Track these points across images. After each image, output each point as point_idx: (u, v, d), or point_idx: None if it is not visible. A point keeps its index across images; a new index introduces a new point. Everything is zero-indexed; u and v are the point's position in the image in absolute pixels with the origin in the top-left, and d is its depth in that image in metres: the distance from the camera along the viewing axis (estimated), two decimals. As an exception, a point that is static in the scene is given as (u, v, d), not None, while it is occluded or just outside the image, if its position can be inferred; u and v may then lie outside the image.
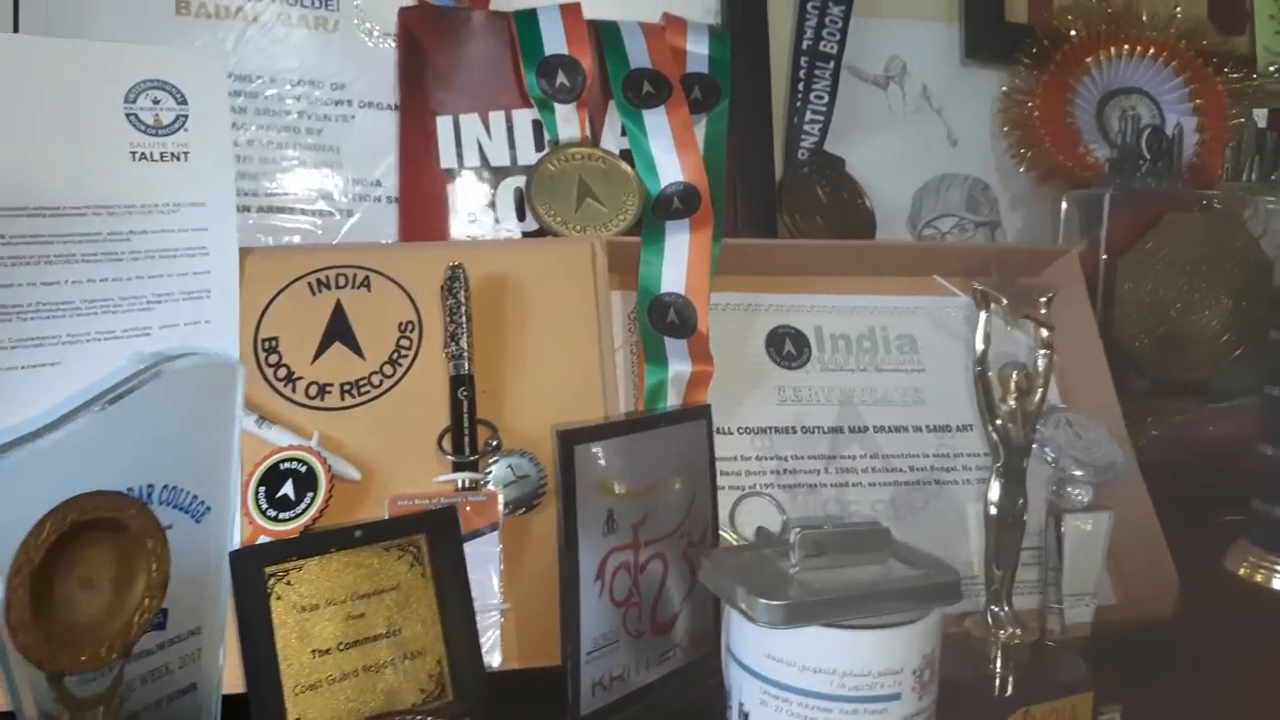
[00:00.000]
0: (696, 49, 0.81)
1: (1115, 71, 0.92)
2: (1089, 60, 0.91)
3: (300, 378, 0.65)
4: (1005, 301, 0.53)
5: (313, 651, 0.51)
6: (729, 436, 0.74)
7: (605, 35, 0.79)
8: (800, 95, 0.83)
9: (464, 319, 0.65)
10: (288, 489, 0.61)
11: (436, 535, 0.55)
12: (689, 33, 0.81)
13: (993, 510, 0.53)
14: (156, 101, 0.69)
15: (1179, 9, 0.92)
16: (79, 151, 0.67)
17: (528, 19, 0.78)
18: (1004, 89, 0.90)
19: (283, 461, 0.61)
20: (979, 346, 0.54)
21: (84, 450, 0.48)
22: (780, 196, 0.81)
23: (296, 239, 0.75)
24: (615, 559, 0.51)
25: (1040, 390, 0.53)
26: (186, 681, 0.52)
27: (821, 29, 0.84)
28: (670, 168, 0.77)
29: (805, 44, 0.84)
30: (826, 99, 0.84)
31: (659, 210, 0.76)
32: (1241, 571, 0.57)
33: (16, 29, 0.70)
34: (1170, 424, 0.74)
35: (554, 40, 0.77)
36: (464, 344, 0.65)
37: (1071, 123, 0.89)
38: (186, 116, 0.69)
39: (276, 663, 0.49)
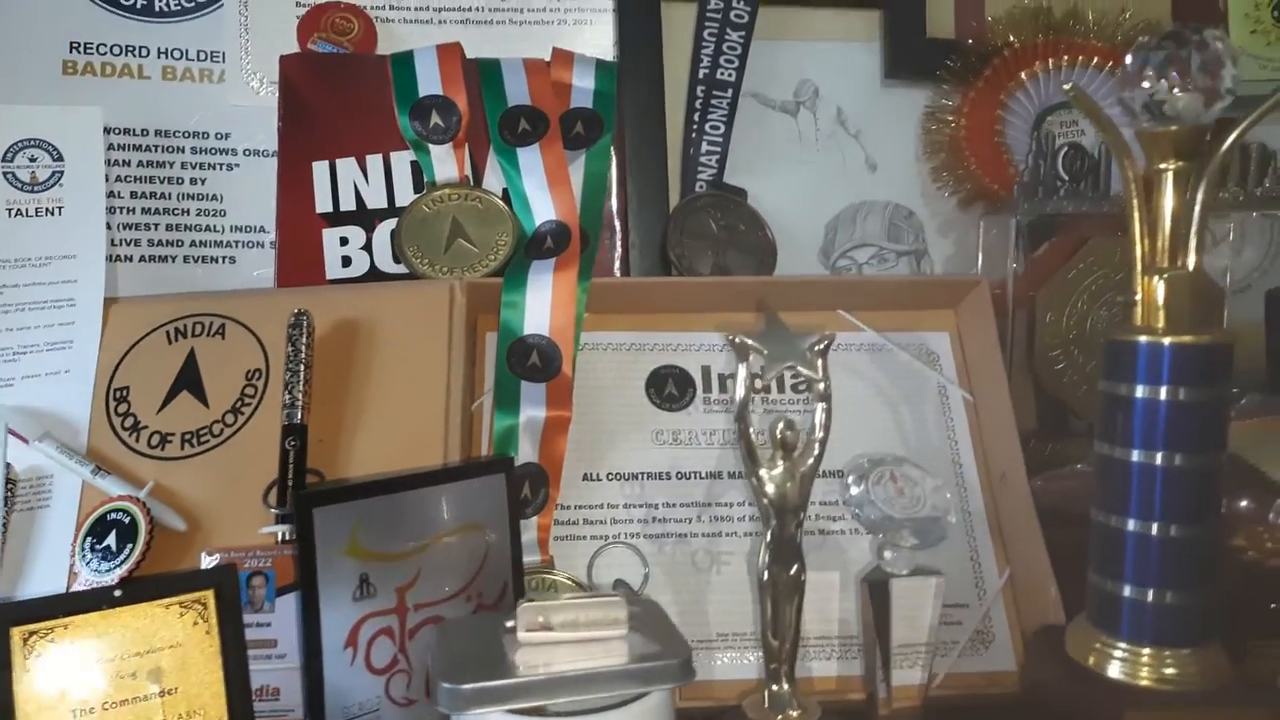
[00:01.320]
0: (582, 83, 0.79)
1: (1054, 85, 0.85)
2: (1023, 74, 0.84)
3: (145, 426, 0.66)
4: (765, 352, 0.49)
5: (72, 712, 0.51)
6: (596, 484, 0.71)
7: (484, 74, 0.78)
8: (696, 126, 0.80)
9: (300, 367, 0.65)
10: (111, 540, 0.61)
11: (222, 592, 0.54)
12: (575, 66, 0.80)
13: (765, 577, 0.49)
14: (33, 159, 0.71)
15: (1127, 11, 0.84)
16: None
17: (403, 61, 0.77)
18: (926, 107, 0.84)
19: (110, 512, 0.62)
20: (738, 396, 0.50)
21: None
22: (667, 231, 0.77)
23: (177, 287, 0.76)
24: (372, 624, 0.49)
25: (817, 447, 0.48)
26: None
27: (719, 56, 0.81)
28: (543, 206, 0.75)
29: (702, 72, 0.81)
30: (723, 129, 0.80)
31: (532, 249, 0.74)
32: (1075, 652, 0.50)
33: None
34: (1060, 474, 0.67)
35: (429, 81, 0.77)
36: (297, 393, 0.64)
37: (1000, 142, 0.83)
38: (62, 173, 0.72)
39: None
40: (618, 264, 0.79)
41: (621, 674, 0.41)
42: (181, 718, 0.53)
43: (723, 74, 0.80)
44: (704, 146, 0.80)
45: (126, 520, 0.61)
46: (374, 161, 0.77)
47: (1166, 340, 0.46)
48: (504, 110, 0.77)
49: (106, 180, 0.75)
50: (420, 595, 0.51)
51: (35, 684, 0.50)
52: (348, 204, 0.76)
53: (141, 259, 0.76)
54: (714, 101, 0.80)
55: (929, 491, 0.55)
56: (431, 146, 0.76)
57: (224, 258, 0.77)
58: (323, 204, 0.76)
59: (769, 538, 0.49)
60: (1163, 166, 0.49)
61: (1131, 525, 0.47)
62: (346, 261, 0.76)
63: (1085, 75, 0.84)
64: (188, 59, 0.78)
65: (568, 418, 0.68)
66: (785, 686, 0.49)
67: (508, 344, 0.70)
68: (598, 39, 0.82)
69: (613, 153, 0.79)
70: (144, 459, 0.65)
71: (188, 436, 0.66)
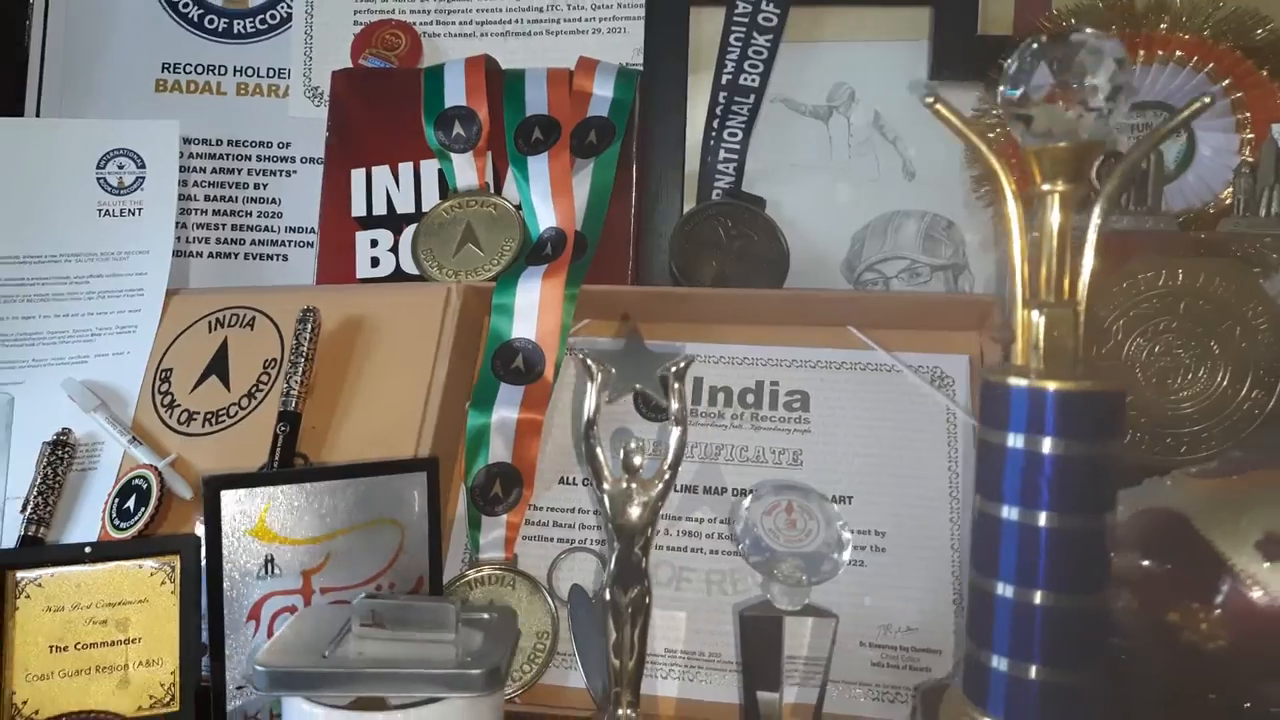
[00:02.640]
0: (601, 91, 0.80)
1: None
2: (1087, 73, 0.75)
3: (178, 405, 0.75)
4: (613, 371, 0.47)
5: (50, 647, 0.59)
6: (571, 488, 0.72)
7: (507, 84, 0.81)
8: (715, 133, 0.79)
9: (300, 359, 0.71)
10: (131, 502, 0.70)
11: (185, 560, 0.61)
12: (597, 75, 0.81)
13: (607, 597, 0.47)
14: (121, 166, 0.82)
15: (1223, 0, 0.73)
16: (59, 209, 0.82)
17: (435, 74, 0.82)
18: (973, 110, 0.77)
19: (134, 478, 0.71)
20: (585, 416, 0.49)
21: None
22: (672, 240, 0.77)
23: (238, 281, 0.85)
24: (276, 602, 0.54)
25: (668, 472, 0.46)
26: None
27: (744, 61, 0.79)
28: (546, 213, 0.77)
29: (725, 78, 0.79)
30: (740, 135, 0.78)
31: (532, 256, 0.76)
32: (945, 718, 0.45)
33: (39, 106, 0.87)
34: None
35: (454, 93, 0.81)
36: (294, 383, 0.70)
37: (1054, 149, 0.75)
38: (144, 179, 0.82)
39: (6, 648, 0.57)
40: (630, 272, 0.80)
41: (419, 677, 0.42)
42: (141, 664, 0.60)
43: (746, 79, 0.79)
44: (721, 154, 0.78)
45: (144, 486, 0.70)
46: (405, 169, 0.82)
47: (1042, 384, 0.41)
48: (521, 120, 0.79)
49: (185, 184, 0.85)
50: (327, 580, 0.55)
51: (21, 620, 0.59)
52: (379, 209, 0.82)
53: (210, 255, 0.86)
54: (734, 108, 0.78)
55: (822, 527, 0.52)
56: (453, 155, 0.80)
57: (278, 255, 0.86)
58: (358, 208, 0.82)
59: (613, 560, 0.49)
60: (1046, 188, 0.43)
61: (1001, 590, 0.42)
62: (375, 262, 0.81)
63: (1164, 74, 0.74)
64: (259, 76, 0.87)
65: (540, 421, 0.70)
66: (627, 711, 0.49)
67: (495, 347, 0.73)
68: (630, 46, 0.83)
69: (634, 160, 0.79)
70: (173, 434, 0.74)
71: (209, 416, 0.74)
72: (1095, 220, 0.42)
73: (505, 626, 0.48)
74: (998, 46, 0.77)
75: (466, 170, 0.80)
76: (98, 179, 0.82)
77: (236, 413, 0.73)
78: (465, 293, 0.74)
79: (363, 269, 0.81)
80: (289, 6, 0.87)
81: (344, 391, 0.72)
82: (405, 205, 0.82)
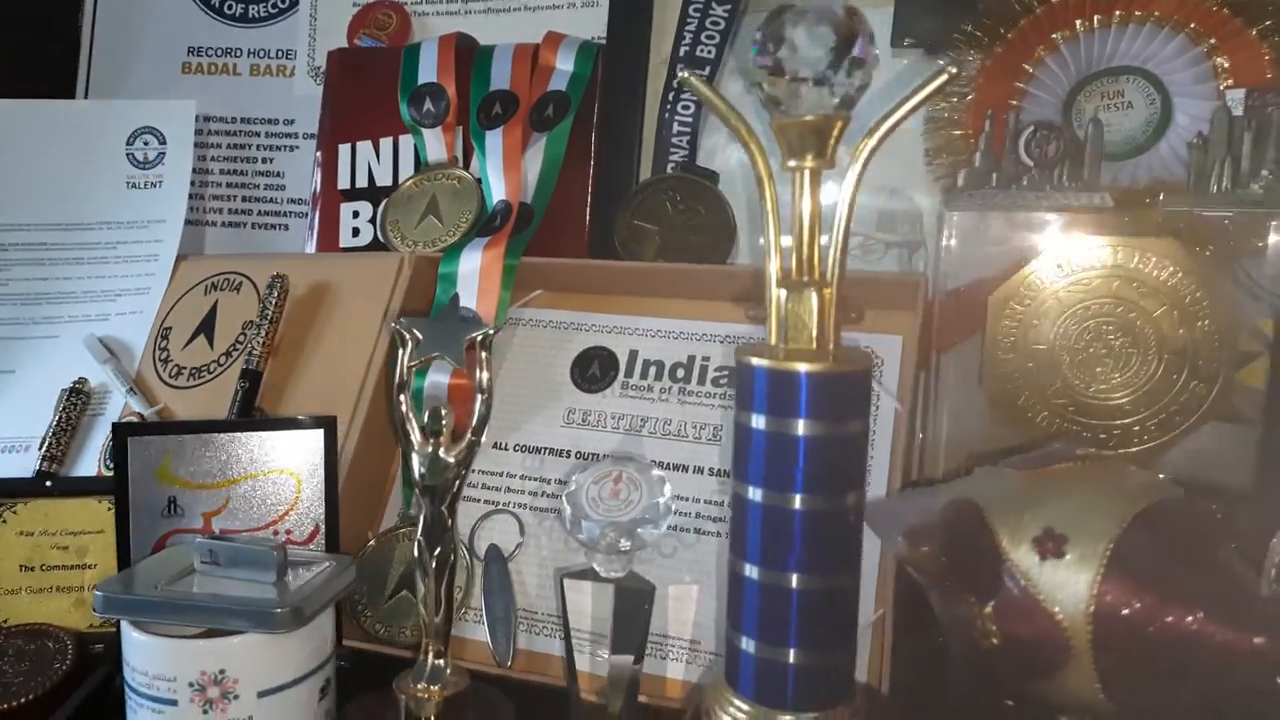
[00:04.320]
0: (563, 65, 0.81)
1: (1098, 47, 0.69)
2: (1056, 36, 0.70)
3: (171, 360, 0.83)
4: (421, 339, 0.49)
5: (19, 566, 0.68)
6: (503, 452, 0.75)
7: (476, 61, 0.83)
8: (670, 107, 0.78)
9: (265, 322, 0.77)
10: (122, 445, 0.79)
11: (133, 496, 0.68)
12: (559, 49, 0.82)
13: (415, 553, 0.50)
14: (146, 143, 0.91)
15: None
16: (95, 181, 0.91)
17: (412, 51, 0.85)
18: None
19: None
20: (396, 380, 0.50)
21: None
22: (618, 213, 0.77)
23: (245, 248, 0.93)
24: (176, 539, 0.60)
25: (470, 435, 0.48)
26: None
27: (700, 33, 0.78)
28: (498, 186, 0.79)
29: (682, 51, 0.78)
30: (693, 109, 0.77)
31: (483, 229, 0.79)
32: (710, 708, 0.43)
33: (87, 88, 0.97)
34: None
35: (427, 70, 0.84)
36: (256, 343, 0.76)
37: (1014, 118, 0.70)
38: (164, 154, 0.91)
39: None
40: (587, 244, 0.81)
41: (229, 612, 0.47)
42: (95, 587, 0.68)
43: (703, 51, 0.78)
44: (675, 128, 0.78)
45: (130, 432, 0.78)
46: (385, 144, 0.86)
47: (784, 365, 0.39)
48: (485, 95, 0.82)
49: (203, 159, 0.93)
50: (226, 523, 0.61)
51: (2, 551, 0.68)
52: (361, 181, 0.87)
53: (223, 224, 0.94)
54: (689, 80, 0.78)
55: (645, 498, 0.52)
56: (424, 130, 0.84)
57: (280, 225, 0.92)
58: (343, 181, 0.87)
59: (421, 519, 0.51)
60: (792, 164, 0.41)
61: (749, 572, 0.41)
62: (355, 232, 0.86)
63: (1140, 35, 0.68)
64: (269, 57, 0.93)
65: (469, 387, 0.73)
66: (435, 660, 0.51)
67: (436, 313, 0.76)
68: (598, 20, 0.84)
69: (593, 133, 0.81)
70: (165, 386, 0.82)
71: (193, 371, 0.81)
72: (848, 198, 0.40)
73: (337, 575, 0.52)
74: (965, 9, 0.72)
75: (436, 145, 0.83)
76: (127, 154, 0.91)
77: (215, 369, 0.80)
78: (418, 263, 0.78)
79: (345, 238, 0.87)
80: (297, -10, 0.93)
81: (303, 352, 0.78)
82: (384, 178, 0.86)
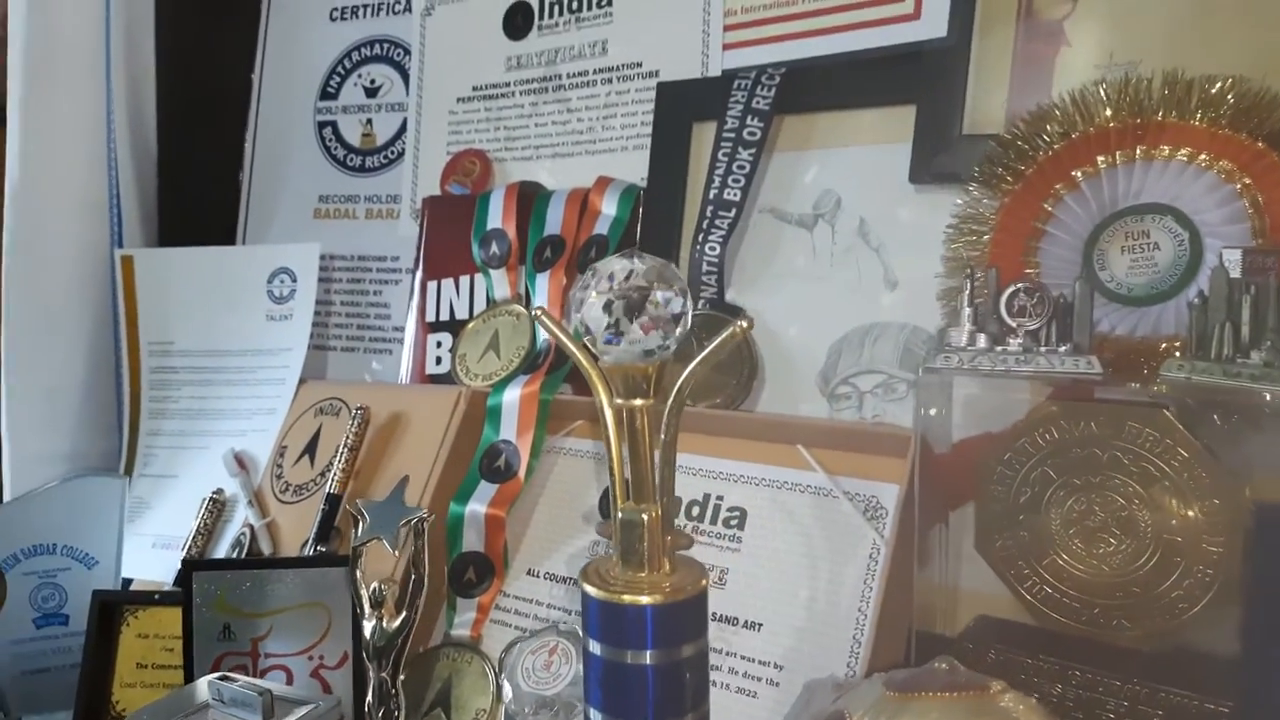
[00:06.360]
0: (608, 209, 0.86)
1: (1121, 184, 0.64)
2: (1077, 173, 0.65)
3: (283, 476, 0.95)
4: (367, 521, 0.53)
5: (135, 664, 0.81)
6: (534, 580, 0.80)
7: (535, 206, 0.90)
8: (699, 246, 0.80)
9: (345, 450, 0.87)
10: (237, 551, 0.92)
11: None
12: (607, 192, 0.87)
13: (365, 713, 0.54)
14: (282, 281, 1.06)
15: (1231, 78, 0.59)
16: (242, 315, 1.07)
17: (484, 198, 0.94)
18: (951, 216, 0.70)
19: (240, 533, 0.92)
20: (351, 551, 0.55)
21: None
22: (649, 352, 0.80)
23: (356, 373, 1.05)
24: (230, 660, 0.69)
25: (405, 611, 0.51)
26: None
27: (729, 176, 0.80)
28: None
29: (712, 193, 0.80)
30: (719, 249, 0.79)
31: (529, 365, 0.85)
32: None
33: (244, 233, 1.14)
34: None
35: (495, 215, 0.92)
36: (337, 469, 0.87)
37: (1032, 260, 0.66)
38: (295, 290, 1.05)
39: (112, 663, 0.80)
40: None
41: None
42: (191, 685, 0.80)
43: (729, 194, 0.80)
44: (704, 266, 0.80)
45: (243, 540, 0.91)
46: (464, 281, 0.95)
47: (615, 598, 0.40)
48: (540, 239, 0.89)
49: (328, 293, 1.07)
50: (270, 647, 0.70)
51: (123, 641, 0.81)
52: (444, 315, 0.96)
53: (341, 349, 1.07)
54: (718, 221, 0.80)
55: (573, 671, 0.54)
56: (491, 270, 0.92)
57: (385, 350, 1.03)
58: (430, 314, 0.97)
59: (372, 681, 0.56)
60: (619, 402, 0.42)
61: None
62: (439, 361, 0.96)
63: (1166, 171, 0.63)
64: (380, 202, 1.05)
65: (502, 517, 0.79)
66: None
67: (484, 446, 0.83)
68: (644, 163, 0.88)
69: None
70: (276, 501, 0.94)
71: (298, 488, 0.93)
72: (663, 436, 0.42)
73: (319, 717, 0.59)
74: (984, 146, 0.70)
75: (501, 284, 0.91)
76: (267, 291, 1.06)
77: (313, 487, 0.92)
78: (473, 397, 0.85)
79: (430, 366, 0.96)
80: (404, 143, 1.04)
81: (375, 477, 0.87)
82: (462, 312, 0.95)
